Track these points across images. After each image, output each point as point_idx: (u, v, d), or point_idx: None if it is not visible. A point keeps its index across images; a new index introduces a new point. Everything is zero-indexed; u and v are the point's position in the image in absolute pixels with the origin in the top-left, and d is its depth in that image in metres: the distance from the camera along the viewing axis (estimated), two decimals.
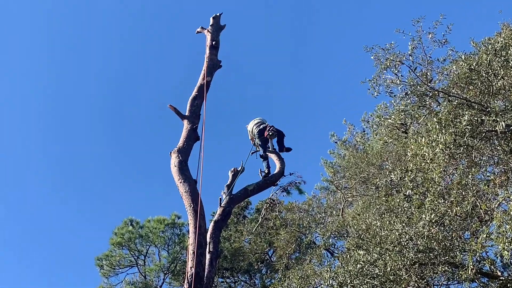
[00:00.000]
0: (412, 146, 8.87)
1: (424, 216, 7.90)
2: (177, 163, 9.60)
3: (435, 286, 10.10)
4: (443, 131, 7.96)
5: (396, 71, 9.00)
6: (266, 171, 10.86)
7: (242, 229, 20.62)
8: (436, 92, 8.94)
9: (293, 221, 18.17)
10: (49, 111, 49.07)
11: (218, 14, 12.51)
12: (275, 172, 10.97)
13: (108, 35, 48.30)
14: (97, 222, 40.98)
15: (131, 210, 55.55)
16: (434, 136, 8.09)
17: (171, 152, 9.83)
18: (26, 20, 46.15)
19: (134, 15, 47.58)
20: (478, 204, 7.66)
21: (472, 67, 8.43)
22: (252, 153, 11.47)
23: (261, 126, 11.54)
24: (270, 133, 11.23)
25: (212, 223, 9.43)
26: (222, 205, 9.74)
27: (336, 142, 24.07)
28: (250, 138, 11.91)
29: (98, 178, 47.17)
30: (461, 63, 8.65)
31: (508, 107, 8.09)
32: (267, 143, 11.43)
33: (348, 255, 9.04)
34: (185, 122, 10.38)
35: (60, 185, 46.60)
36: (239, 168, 10.62)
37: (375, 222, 9.54)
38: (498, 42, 8.36)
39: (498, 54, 8.20)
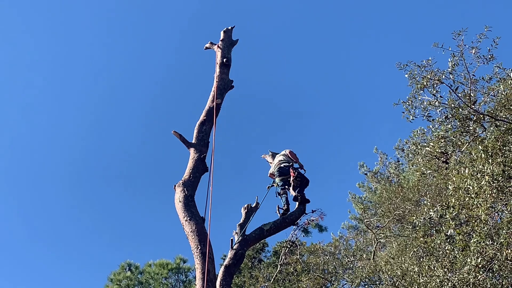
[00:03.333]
0: (454, 179, 8.83)
1: (469, 260, 7.85)
2: (182, 198, 9.60)
3: None
4: (490, 160, 7.94)
5: (435, 92, 9.04)
6: (285, 208, 10.79)
7: (258, 275, 20.49)
8: (481, 116, 8.93)
9: (316, 266, 18.09)
10: (46, 157, 49.72)
11: (230, 28, 12.58)
12: (295, 209, 10.91)
13: (102, 58, 49.01)
14: (90, 267, 40.98)
15: (129, 253, 55.58)
16: (480, 166, 8.07)
17: (175, 186, 9.83)
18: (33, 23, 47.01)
19: (134, 30, 48.25)
20: None
21: None
22: (269, 187, 11.41)
23: (283, 165, 11.44)
24: (295, 180, 11.06)
25: (222, 268, 9.38)
26: (234, 247, 9.70)
27: (366, 174, 24.13)
28: (269, 173, 11.84)
29: (91, 214, 47.25)
30: (509, 82, 8.65)
31: None
32: (287, 184, 11.32)
33: None
34: (192, 150, 10.40)
35: (46, 223, 46.73)
36: (254, 205, 10.57)
37: (412, 267, 9.50)
38: None
39: None
